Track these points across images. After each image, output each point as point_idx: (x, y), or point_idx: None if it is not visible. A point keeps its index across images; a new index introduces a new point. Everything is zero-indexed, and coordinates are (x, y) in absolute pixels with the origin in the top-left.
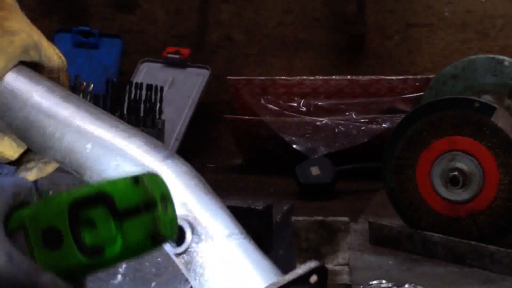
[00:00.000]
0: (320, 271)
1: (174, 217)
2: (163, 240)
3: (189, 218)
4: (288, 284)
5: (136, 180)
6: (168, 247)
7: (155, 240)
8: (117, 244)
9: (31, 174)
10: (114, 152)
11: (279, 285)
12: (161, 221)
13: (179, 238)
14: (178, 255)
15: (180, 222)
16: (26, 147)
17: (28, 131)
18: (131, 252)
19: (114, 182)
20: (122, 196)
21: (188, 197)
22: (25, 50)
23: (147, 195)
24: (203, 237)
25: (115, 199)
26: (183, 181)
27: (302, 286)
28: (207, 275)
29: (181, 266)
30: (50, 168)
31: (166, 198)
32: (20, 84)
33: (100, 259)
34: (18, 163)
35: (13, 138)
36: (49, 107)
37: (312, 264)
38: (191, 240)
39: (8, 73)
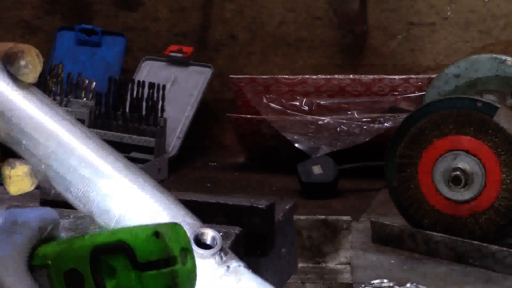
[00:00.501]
0: None
1: (193, 268)
2: None
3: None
4: None
5: (156, 234)
6: (196, 248)
7: None
8: None
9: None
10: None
11: None
12: (180, 275)
13: (205, 246)
14: (202, 258)
15: (210, 231)
16: None
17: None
18: None
19: (136, 234)
20: (142, 249)
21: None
22: None
23: (167, 251)
24: (226, 253)
25: (136, 251)
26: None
27: None
28: (223, 284)
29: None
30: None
31: (186, 250)
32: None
33: None
34: None
35: None
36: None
37: None
38: (220, 248)
39: None
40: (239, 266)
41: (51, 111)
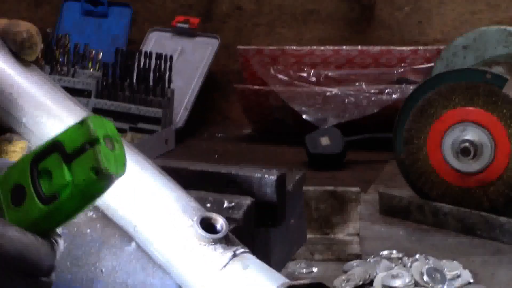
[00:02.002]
0: None
1: (122, 154)
2: (107, 174)
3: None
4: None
5: (81, 122)
6: (201, 233)
7: (98, 173)
8: (69, 186)
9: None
10: None
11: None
12: (104, 155)
13: (212, 231)
14: (207, 243)
15: (216, 216)
16: None
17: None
18: (81, 190)
19: (65, 130)
20: (69, 140)
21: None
22: None
23: (90, 134)
24: (232, 239)
25: (64, 143)
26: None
27: None
28: (229, 270)
29: (202, 256)
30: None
31: (112, 137)
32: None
33: (57, 204)
34: None
35: None
36: None
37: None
38: (225, 234)
39: None
40: (246, 252)
41: (52, 90)
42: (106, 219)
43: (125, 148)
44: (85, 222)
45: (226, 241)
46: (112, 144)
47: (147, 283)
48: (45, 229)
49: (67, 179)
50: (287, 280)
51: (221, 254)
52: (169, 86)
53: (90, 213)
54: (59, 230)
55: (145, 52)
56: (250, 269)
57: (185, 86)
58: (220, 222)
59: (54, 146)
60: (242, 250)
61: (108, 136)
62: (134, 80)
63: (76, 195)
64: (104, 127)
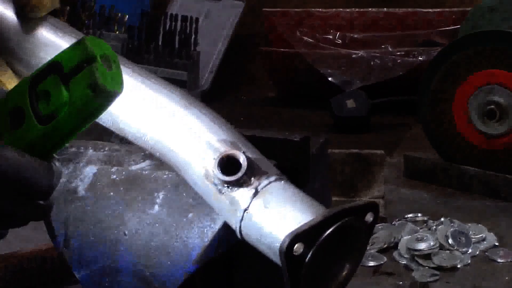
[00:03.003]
0: (375, 209)
1: (118, 73)
2: (104, 90)
3: (245, 153)
4: (345, 211)
5: (78, 42)
6: (220, 176)
7: (95, 90)
8: (67, 104)
9: None
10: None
11: (337, 211)
12: (100, 72)
13: (233, 169)
14: (228, 184)
15: (237, 154)
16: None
17: None
18: (78, 108)
19: (63, 51)
20: (67, 59)
21: (237, 139)
22: None
23: (87, 52)
24: (256, 172)
25: (62, 63)
26: (228, 126)
27: (357, 220)
28: (252, 210)
29: (224, 198)
30: None
31: (109, 57)
32: (52, 36)
33: (54, 124)
34: None
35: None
36: None
37: (369, 202)
38: (245, 172)
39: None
40: (269, 184)
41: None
42: (129, 183)
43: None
44: (109, 185)
45: (246, 178)
46: (109, 63)
47: (169, 246)
48: (43, 150)
49: (65, 98)
50: (306, 220)
51: (241, 194)
52: (194, 49)
53: (113, 176)
54: (57, 163)
55: (171, 15)
56: (272, 206)
57: (211, 49)
58: (238, 160)
59: (52, 67)
60: (266, 182)
61: (105, 55)
62: (160, 43)
63: (74, 113)
64: (101, 47)
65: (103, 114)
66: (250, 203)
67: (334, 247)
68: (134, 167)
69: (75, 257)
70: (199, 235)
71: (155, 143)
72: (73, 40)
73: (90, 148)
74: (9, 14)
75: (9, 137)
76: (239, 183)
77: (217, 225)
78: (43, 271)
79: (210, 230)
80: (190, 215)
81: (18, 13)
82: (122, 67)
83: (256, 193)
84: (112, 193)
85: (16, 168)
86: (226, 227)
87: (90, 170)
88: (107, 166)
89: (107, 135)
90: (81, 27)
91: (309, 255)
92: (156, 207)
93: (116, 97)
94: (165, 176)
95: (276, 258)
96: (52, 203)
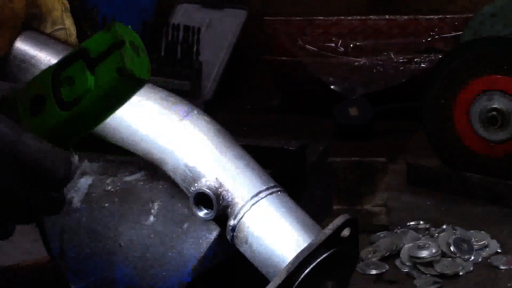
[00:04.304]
0: (351, 223)
1: (146, 61)
2: (132, 75)
3: (214, 185)
4: (319, 246)
5: (107, 27)
6: (200, 215)
7: (123, 74)
8: (92, 90)
9: None
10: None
11: (311, 249)
12: (129, 57)
13: (207, 206)
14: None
15: (206, 191)
16: None
17: None
18: (104, 92)
19: (90, 38)
20: (94, 44)
21: (211, 159)
22: (27, 14)
23: (116, 37)
24: (229, 201)
25: (89, 49)
26: (204, 141)
27: (335, 244)
28: (240, 239)
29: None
30: None
31: (137, 45)
32: (28, 50)
33: (77, 110)
34: None
35: None
36: None
37: (341, 219)
38: (217, 207)
39: (16, 42)
40: (244, 214)
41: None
42: (124, 193)
43: None
44: (104, 196)
45: (223, 212)
46: (137, 50)
47: (165, 257)
48: (64, 139)
49: (90, 83)
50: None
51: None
52: (196, 59)
53: (108, 187)
54: (76, 155)
55: (173, 25)
56: (250, 241)
57: (213, 58)
58: (208, 194)
59: (79, 53)
60: (240, 214)
61: (133, 42)
62: (162, 53)
63: (99, 98)
64: (130, 33)
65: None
66: (231, 239)
67: (320, 273)
68: (129, 178)
69: (71, 269)
70: (194, 246)
71: (146, 154)
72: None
73: (85, 159)
74: None
75: (29, 124)
76: (217, 220)
77: (213, 236)
78: (43, 284)
79: (206, 240)
80: (186, 225)
81: None
82: None
83: (234, 228)
84: (107, 204)
85: (35, 155)
86: (222, 237)
87: (85, 181)
88: (102, 177)
89: (101, 145)
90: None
91: None
92: (151, 217)
93: (142, 85)
94: (160, 186)
95: None
96: (65, 197)
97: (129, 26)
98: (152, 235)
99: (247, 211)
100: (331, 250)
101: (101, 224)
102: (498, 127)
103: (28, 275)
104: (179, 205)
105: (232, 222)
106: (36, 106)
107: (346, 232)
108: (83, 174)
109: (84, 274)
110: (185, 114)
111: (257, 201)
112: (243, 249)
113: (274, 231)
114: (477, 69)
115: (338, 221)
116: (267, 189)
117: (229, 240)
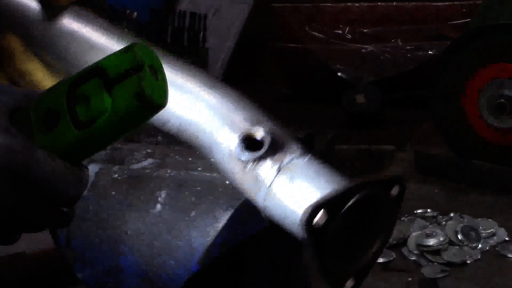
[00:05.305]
0: (402, 184)
1: (165, 86)
2: (150, 101)
3: (268, 130)
4: (369, 184)
5: (127, 49)
6: (243, 154)
7: (140, 99)
8: (108, 111)
9: None
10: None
11: (361, 182)
12: (148, 81)
13: (257, 146)
14: (252, 161)
15: (259, 132)
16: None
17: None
18: (121, 117)
19: (109, 56)
20: (113, 65)
21: (262, 116)
22: None
23: (135, 59)
24: (280, 149)
25: (108, 68)
26: (252, 104)
27: (382, 192)
28: (276, 186)
29: (249, 176)
30: None
31: (156, 68)
32: (76, 25)
33: (92, 130)
34: None
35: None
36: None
37: (393, 176)
38: (268, 149)
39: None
40: (293, 160)
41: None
42: (131, 182)
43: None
44: (111, 184)
45: (270, 155)
46: (156, 73)
47: (172, 245)
48: (76, 157)
49: (106, 105)
50: (332, 189)
51: (265, 170)
52: (203, 46)
53: (115, 175)
54: (86, 170)
55: (179, 12)
56: (296, 182)
57: (220, 45)
58: (262, 137)
59: (96, 71)
60: (289, 158)
61: (153, 65)
62: (169, 40)
63: (115, 121)
64: (150, 56)
65: None
66: (273, 180)
67: (359, 221)
68: (136, 166)
69: (78, 258)
70: (202, 234)
71: (180, 126)
72: (96, 29)
73: None
74: (33, 3)
75: (42, 139)
76: (262, 160)
77: (220, 224)
78: (50, 272)
79: (213, 229)
80: (193, 213)
81: (42, 2)
82: None
83: (279, 169)
84: (114, 192)
85: (46, 172)
86: (230, 226)
87: (92, 169)
88: (109, 165)
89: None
90: None
91: (332, 225)
92: (159, 206)
93: (159, 110)
94: (167, 174)
95: (301, 235)
96: (74, 211)
97: (149, 48)
98: (159, 224)
99: (295, 158)
100: (380, 188)
101: (108, 212)
102: (507, 115)
103: (34, 263)
104: (186, 193)
105: (279, 163)
106: (50, 121)
107: (394, 192)
108: (90, 161)
109: (90, 262)
110: None
111: (303, 154)
112: (282, 192)
113: (320, 178)
114: (486, 56)
115: (390, 177)
116: (306, 149)
117: (268, 185)
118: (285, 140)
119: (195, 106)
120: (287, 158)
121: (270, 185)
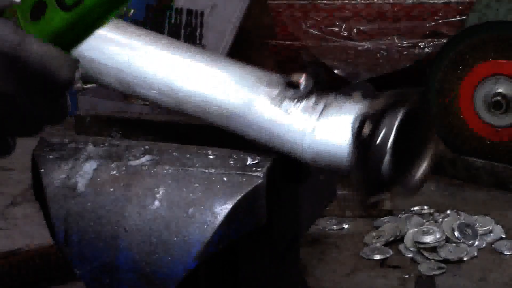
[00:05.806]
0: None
1: None
2: None
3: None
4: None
5: None
6: (287, 92)
7: None
8: None
9: None
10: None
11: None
12: None
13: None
14: (295, 100)
15: (300, 75)
16: None
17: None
18: None
19: None
20: None
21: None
22: None
23: None
24: (313, 92)
25: None
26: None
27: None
28: (322, 123)
29: (293, 119)
30: None
31: None
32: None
33: (80, 10)
34: None
35: None
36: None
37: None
38: (310, 88)
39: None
40: (328, 100)
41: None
42: (129, 178)
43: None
44: (108, 180)
45: (313, 93)
46: None
47: (170, 242)
48: (66, 41)
49: None
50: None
51: (308, 115)
52: (200, 42)
53: (113, 172)
54: (78, 61)
55: (176, 8)
56: (337, 115)
57: (217, 42)
58: (305, 77)
59: None
60: (325, 100)
61: None
62: None
63: None
64: None
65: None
66: (318, 119)
67: (403, 138)
68: (134, 162)
69: (75, 254)
70: (199, 231)
71: (206, 103)
72: None
73: (89, 143)
74: None
75: (30, 29)
76: (302, 101)
77: (218, 221)
78: (47, 268)
79: (211, 225)
80: (191, 210)
81: None
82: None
83: (322, 110)
84: (112, 189)
85: (40, 55)
86: (228, 222)
87: (90, 166)
88: (107, 162)
89: (106, 130)
90: None
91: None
92: (156, 202)
93: None
94: (165, 171)
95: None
96: (69, 104)
97: None
98: (157, 220)
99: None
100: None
101: (105, 208)
102: (502, 112)
103: (32, 259)
104: (184, 190)
105: (321, 104)
106: (37, 11)
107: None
108: (88, 158)
109: (88, 258)
110: None
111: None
112: (326, 132)
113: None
114: (482, 53)
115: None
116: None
117: (313, 127)
118: (313, 85)
119: (228, 67)
120: (323, 100)
121: (314, 127)
